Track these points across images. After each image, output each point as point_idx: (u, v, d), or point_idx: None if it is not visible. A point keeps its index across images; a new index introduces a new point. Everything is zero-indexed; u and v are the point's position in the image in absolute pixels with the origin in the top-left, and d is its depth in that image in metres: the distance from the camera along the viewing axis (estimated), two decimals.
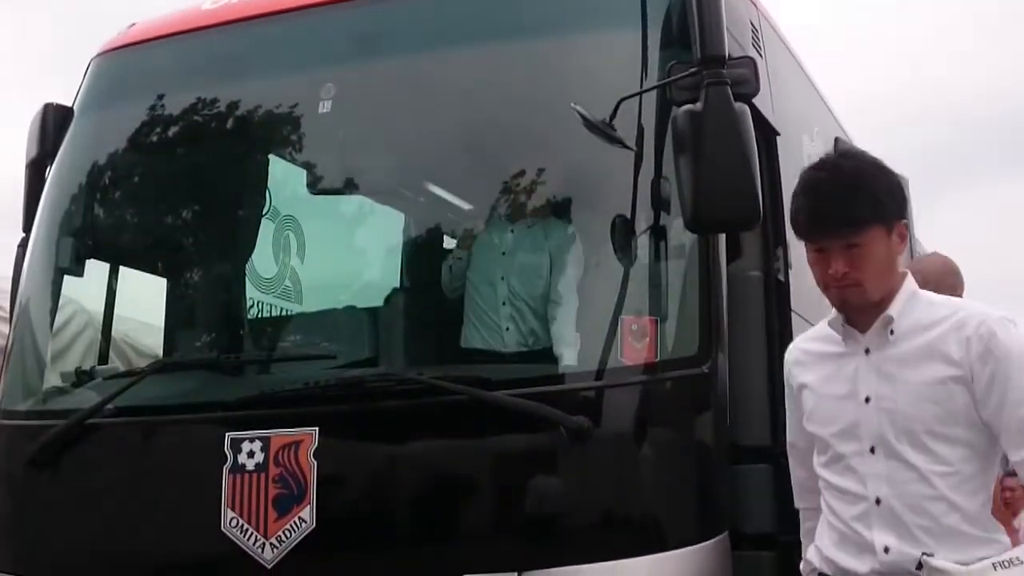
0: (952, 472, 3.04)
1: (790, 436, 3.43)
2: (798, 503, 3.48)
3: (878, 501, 3.08)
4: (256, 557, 3.81)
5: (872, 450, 3.09)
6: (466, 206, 4.85)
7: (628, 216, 3.84)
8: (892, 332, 3.11)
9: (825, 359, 3.26)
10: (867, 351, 3.15)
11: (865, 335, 3.16)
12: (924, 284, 4.89)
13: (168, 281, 5.09)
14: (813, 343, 3.35)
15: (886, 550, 3.05)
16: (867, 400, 3.11)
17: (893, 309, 3.12)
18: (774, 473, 4.35)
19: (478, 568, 3.63)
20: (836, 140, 4.91)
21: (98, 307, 5.00)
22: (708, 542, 3.70)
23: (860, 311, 3.16)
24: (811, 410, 3.26)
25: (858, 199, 3.08)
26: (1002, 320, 3.11)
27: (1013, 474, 3.69)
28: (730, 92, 3.58)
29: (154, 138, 4.83)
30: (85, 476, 4.22)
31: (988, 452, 3.10)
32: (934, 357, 3.07)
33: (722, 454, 3.83)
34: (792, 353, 3.41)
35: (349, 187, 4.71)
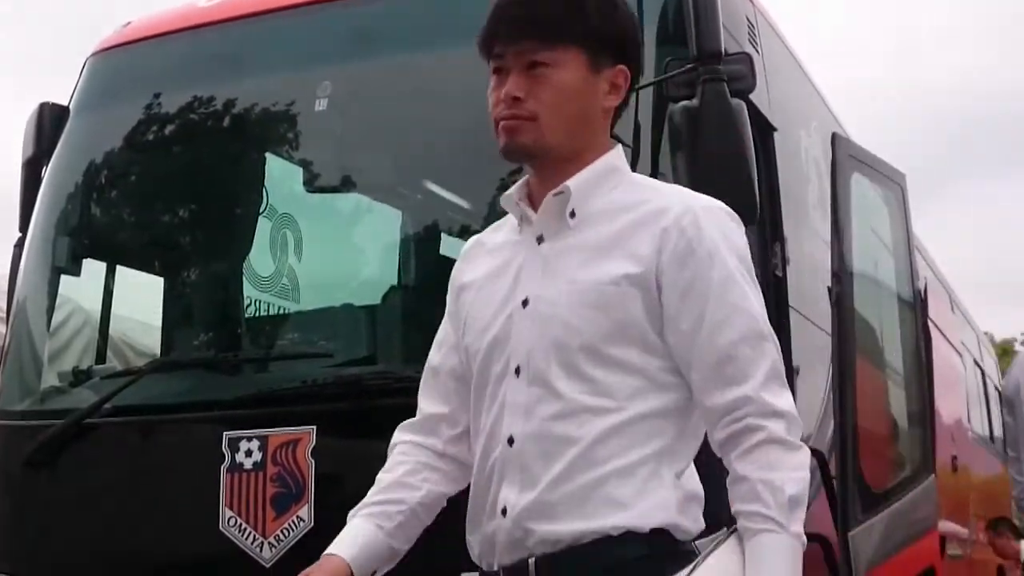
0: (613, 409, 2.24)
1: (431, 357, 2.60)
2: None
3: (511, 441, 2.28)
4: (254, 556, 3.80)
5: (517, 371, 2.29)
6: (464, 204, 4.84)
7: None
8: (573, 215, 2.32)
9: (497, 251, 2.46)
10: (539, 239, 2.36)
11: (537, 216, 2.36)
12: None
13: (165, 280, 5.08)
14: (495, 232, 2.55)
15: (504, 512, 2.30)
16: (524, 303, 2.32)
17: (574, 181, 2.32)
18: None
19: (475, 567, 3.61)
20: (834, 135, 4.90)
21: (96, 307, 4.99)
22: (705, 539, 3.69)
23: (540, 178, 2.39)
24: (466, 317, 2.45)
25: (556, 3, 2.33)
26: (719, 212, 2.33)
27: None
28: (727, 88, 3.57)
29: (150, 137, 4.83)
30: (82, 476, 4.22)
31: (670, 388, 2.30)
32: (618, 249, 2.28)
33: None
34: (467, 245, 2.64)
35: (346, 185, 4.71)
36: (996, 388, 10.89)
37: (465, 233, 4.54)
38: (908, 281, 5.70)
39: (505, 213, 2.52)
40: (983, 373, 10.27)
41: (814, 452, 4.56)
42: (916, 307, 5.87)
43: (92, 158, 4.85)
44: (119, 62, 4.90)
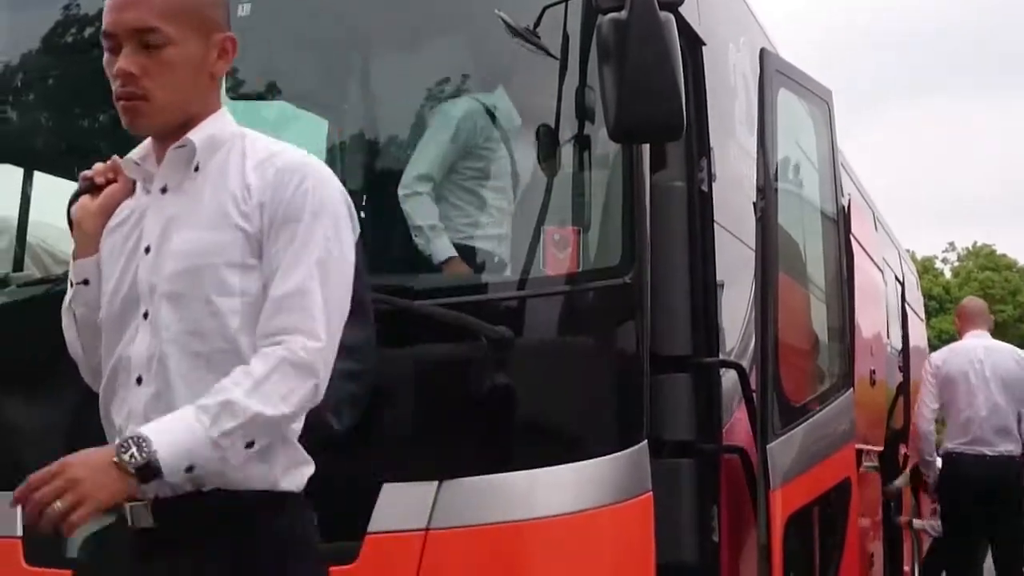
0: None
1: None
2: None
3: None
4: None
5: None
6: (391, 112, 4.78)
7: (552, 126, 3.82)
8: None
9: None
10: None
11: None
12: None
13: None
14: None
15: None
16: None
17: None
18: (694, 382, 4.41)
19: (398, 477, 3.64)
20: (762, 51, 4.89)
21: (14, 213, 4.89)
22: (627, 450, 3.74)
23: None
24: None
25: None
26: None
27: None
28: (655, 1, 3.54)
29: (68, 38, 4.70)
30: None
31: None
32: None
33: (643, 364, 3.85)
34: None
35: (271, 92, 4.63)
36: (909, 305, 11.04)
37: (392, 144, 4.50)
38: (832, 198, 5.75)
39: None
40: (903, 289, 10.41)
41: (734, 366, 4.63)
42: (839, 223, 5.93)
43: (6, 60, 4.72)
44: None
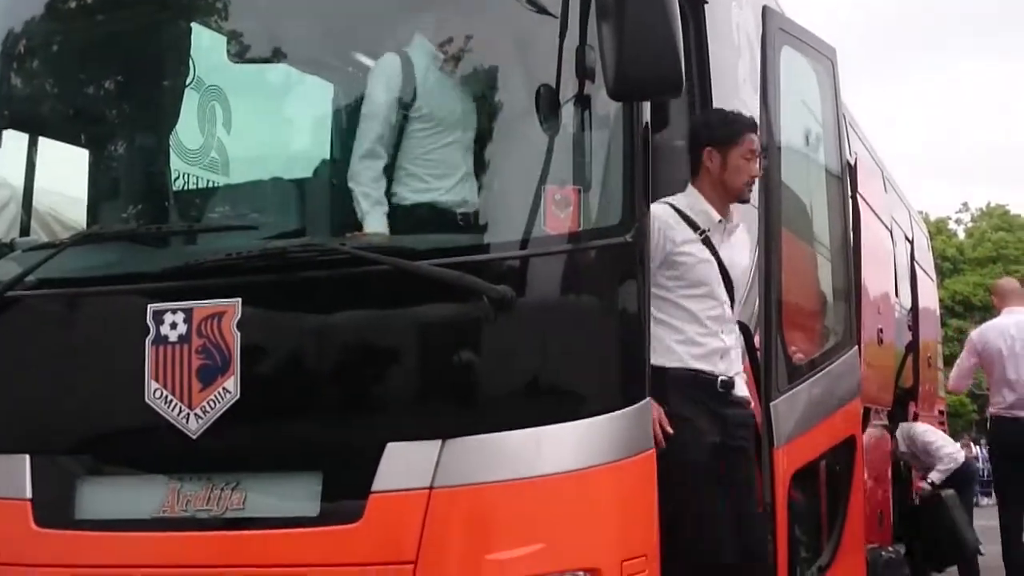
0: None
1: None
2: None
3: None
4: (181, 427, 3.83)
5: None
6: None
7: (552, 84, 3.81)
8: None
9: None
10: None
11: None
12: None
13: (90, 153, 5.00)
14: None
15: None
16: None
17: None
18: None
19: (402, 436, 3.66)
20: (764, 8, 4.87)
21: (21, 180, 4.91)
22: (630, 408, 3.76)
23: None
24: None
25: None
26: None
27: None
28: None
29: (72, 4, 4.71)
30: (5, 349, 4.20)
31: None
32: None
33: (644, 322, 3.87)
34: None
35: (276, 56, 4.64)
36: (919, 265, 11.06)
37: (395, 103, 4.49)
38: (836, 156, 5.74)
39: None
40: (912, 248, 10.39)
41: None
42: (844, 182, 5.92)
43: (9, 26, 4.72)
44: None
